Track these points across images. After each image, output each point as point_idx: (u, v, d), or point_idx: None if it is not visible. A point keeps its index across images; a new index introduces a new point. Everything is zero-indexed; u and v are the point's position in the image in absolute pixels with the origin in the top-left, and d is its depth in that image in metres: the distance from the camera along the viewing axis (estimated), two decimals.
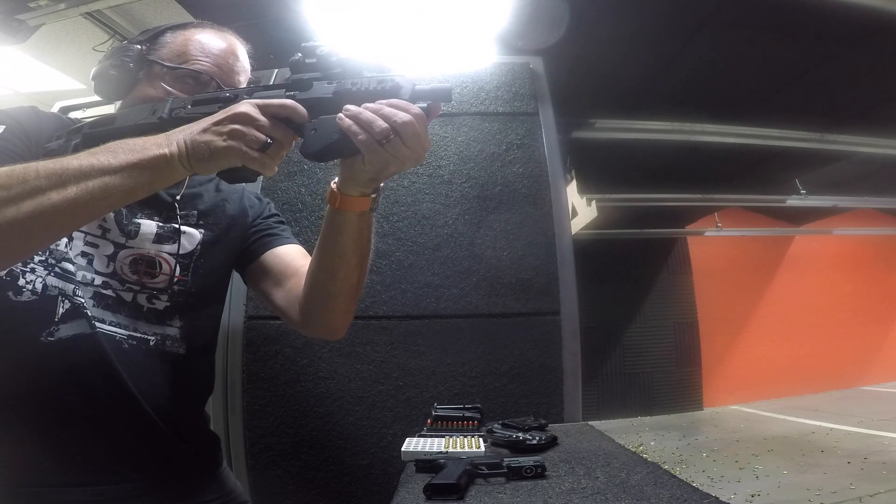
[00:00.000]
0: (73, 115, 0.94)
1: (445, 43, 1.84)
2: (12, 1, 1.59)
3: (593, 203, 4.49)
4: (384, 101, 0.62)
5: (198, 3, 2.04)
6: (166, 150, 0.60)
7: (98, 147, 0.61)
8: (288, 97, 0.66)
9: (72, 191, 0.57)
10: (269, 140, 0.62)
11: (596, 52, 2.62)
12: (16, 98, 2.76)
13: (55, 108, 1.52)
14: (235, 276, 0.96)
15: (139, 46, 0.81)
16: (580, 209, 4.52)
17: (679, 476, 0.76)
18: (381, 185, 0.73)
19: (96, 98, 0.86)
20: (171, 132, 0.63)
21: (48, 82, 2.64)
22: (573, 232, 1.63)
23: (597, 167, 3.96)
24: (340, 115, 0.63)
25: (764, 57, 2.76)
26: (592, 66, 2.76)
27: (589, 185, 4.42)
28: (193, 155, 0.61)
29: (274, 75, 1.48)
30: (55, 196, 0.56)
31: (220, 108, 0.64)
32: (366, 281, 1.34)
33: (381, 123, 0.61)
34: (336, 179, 0.72)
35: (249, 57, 0.88)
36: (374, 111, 0.62)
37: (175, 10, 2.07)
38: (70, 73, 2.58)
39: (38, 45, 2.17)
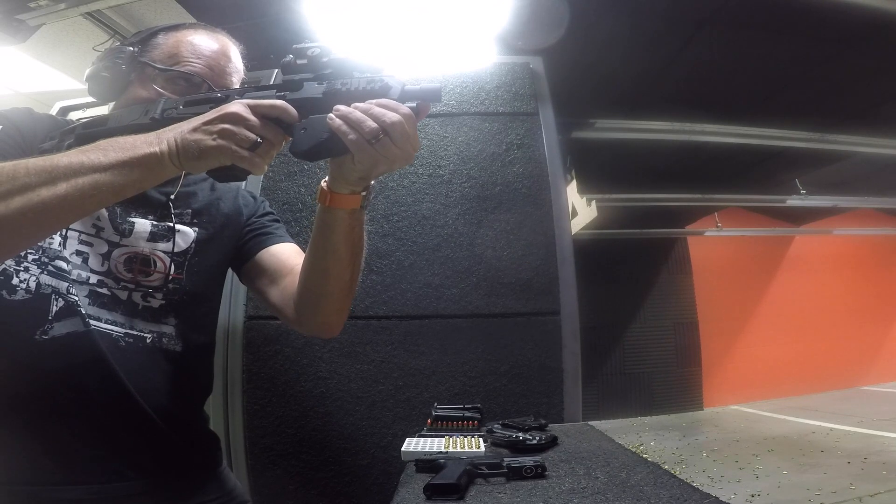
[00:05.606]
0: (74, 115, 0.94)
1: (445, 43, 1.84)
2: (12, 1, 1.59)
3: (593, 203, 4.49)
4: (374, 101, 0.63)
5: (198, 4, 2.04)
6: (157, 149, 0.61)
7: (88, 145, 0.61)
8: (278, 97, 0.67)
9: (62, 188, 0.57)
10: (258, 139, 0.63)
11: (596, 52, 2.63)
12: (16, 98, 2.76)
13: (55, 108, 1.51)
14: (236, 276, 0.96)
15: (131, 48, 0.81)
16: (580, 209, 4.52)
17: (679, 476, 0.76)
18: (373, 182, 0.73)
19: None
20: (161, 131, 0.63)
21: (48, 82, 2.63)
22: (573, 232, 1.63)
23: (597, 167, 3.96)
24: (330, 115, 0.63)
25: (764, 57, 2.76)
26: (592, 66, 2.76)
27: (589, 185, 4.43)
28: (183, 153, 0.61)
29: (274, 75, 1.48)
30: (45, 193, 0.57)
31: (212, 109, 0.65)
32: (367, 281, 1.36)
33: (371, 123, 0.61)
34: (326, 178, 0.73)
35: (243, 57, 0.88)
36: (364, 111, 0.62)
37: (175, 10, 2.06)
38: (70, 73, 2.57)
39: (38, 45, 2.17)
